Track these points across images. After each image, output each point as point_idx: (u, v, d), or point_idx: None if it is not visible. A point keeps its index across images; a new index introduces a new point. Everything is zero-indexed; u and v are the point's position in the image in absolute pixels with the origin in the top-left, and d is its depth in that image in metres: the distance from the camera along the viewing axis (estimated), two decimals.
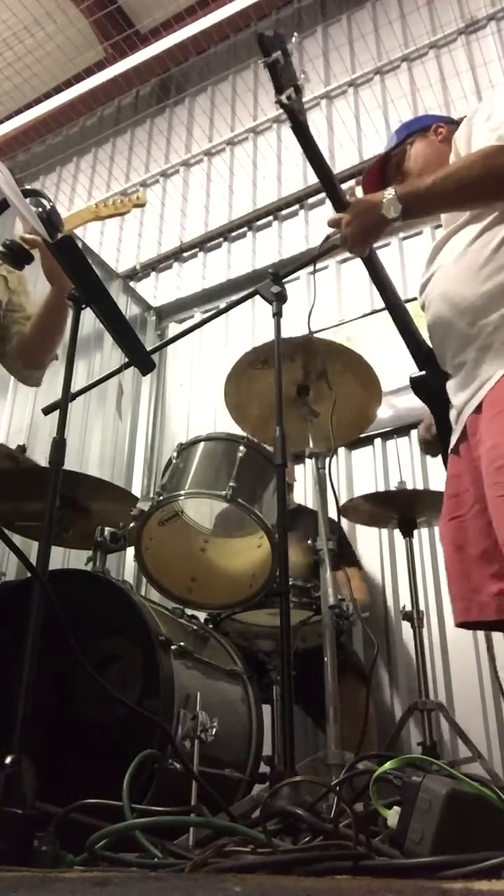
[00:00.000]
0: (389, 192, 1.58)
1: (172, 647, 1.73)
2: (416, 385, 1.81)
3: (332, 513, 2.14)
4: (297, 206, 4.30)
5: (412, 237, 3.72)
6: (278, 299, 1.91)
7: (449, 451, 1.69)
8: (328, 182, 1.73)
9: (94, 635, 1.72)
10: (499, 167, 1.52)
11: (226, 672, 1.95)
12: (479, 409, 1.53)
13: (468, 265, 1.59)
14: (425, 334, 1.80)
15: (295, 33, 1.70)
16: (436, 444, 1.83)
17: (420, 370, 1.81)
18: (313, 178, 4.25)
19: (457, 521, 1.61)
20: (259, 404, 2.25)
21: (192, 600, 2.05)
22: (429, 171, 1.69)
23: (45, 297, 2.13)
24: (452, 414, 1.66)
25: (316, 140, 1.74)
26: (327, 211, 4.12)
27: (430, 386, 1.76)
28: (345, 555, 2.84)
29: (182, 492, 1.93)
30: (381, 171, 1.93)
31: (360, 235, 1.66)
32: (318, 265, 2.49)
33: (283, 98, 1.63)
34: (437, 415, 1.78)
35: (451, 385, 1.68)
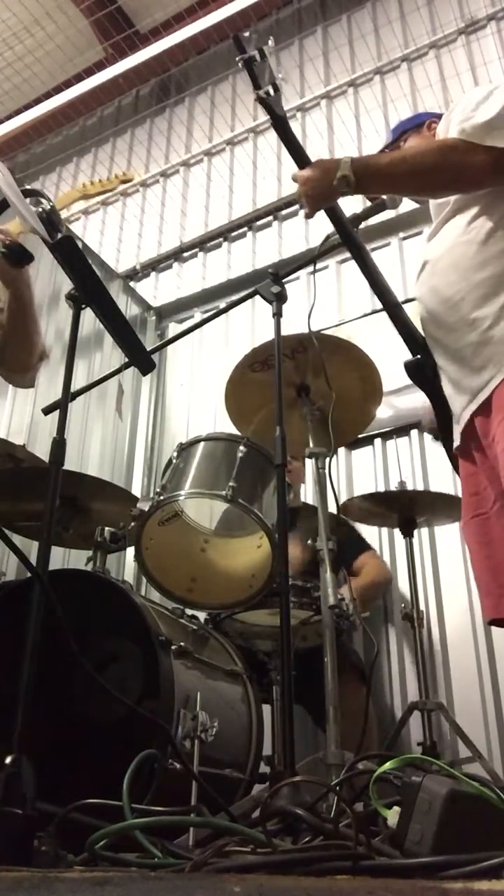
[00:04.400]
0: (346, 161, 1.58)
1: (172, 647, 1.73)
2: (411, 369, 1.79)
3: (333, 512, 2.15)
4: (297, 206, 4.29)
5: (412, 237, 3.72)
6: (278, 299, 1.91)
7: (455, 448, 1.69)
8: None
9: (94, 635, 1.72)
10: (454, 161, 1.52)
11: (226, 672, 1.95)
12: (484, 408, 1.52)
13: (456, 258, 1.58)
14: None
15: (271, 37, 1.75)
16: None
17: (414, 356, 1.81)
18: None
19: (480, 519, 1.60)
20: (259, 408, 2.25)
21: (192, 600, 2.05)
22: None
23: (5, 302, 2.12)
24: (454, 410, 1.66)
25: (295, 133, 1.80)
26: None
27: (425, 370, 1.75)
28: (358, 543, 2.85)
29: (182, 492, 1.93)
30: None
31: (312, 197, 1.67)
32: (318, 265, 2.49)
33: (262, 93, 1.67)
34: (434, 399, 1.77)
35: (445, 378, 1.67)
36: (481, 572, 1.61)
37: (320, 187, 1.63)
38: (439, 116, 1.89)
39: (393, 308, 1.87)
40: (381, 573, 2.87)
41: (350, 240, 1.87)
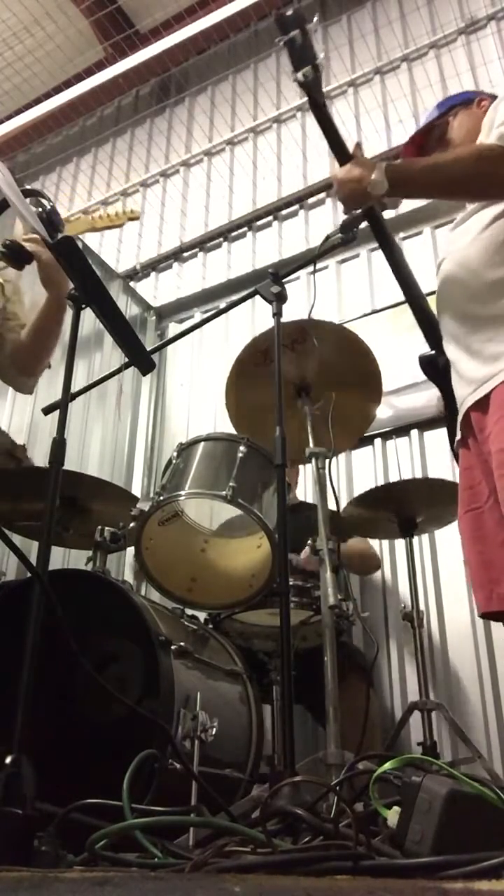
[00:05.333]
0: (380, 168, 1.58)
1: (172, 647, 1.73)
2: (425, 363, 1.80)
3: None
4: (297, 206, 4.30)
5: (412, 237, 3.72)
6: (278, 299, 1.91)
7: (457, 441, 1.69)
8: (342, 157, 1.71)
9: (94, 635, 1.72)
10: (488, 169, 1.51)
11: (226, 672, 1.95)
12: (482, 404, 1.52)
13: (479, 252, 1.59)
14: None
15: (317, 13, 1.69)
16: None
17: (431, 349, 1.80)
18: (313, 178, 4.28)
19: (474, 513, 1.61)
20: (259, 407, 2.25)
21: (192, 600, 2.05)
22: (469, 141, 1.68)
23: (41, 304, 2.13)
24: (458, 398, 1.65)
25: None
26: (327, 211, 4.12)
27: (438, 365, 1.75)
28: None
29: (182, 492, 1.93)
30: (424, 140, 1.92)
31: (347, 199, 1.68)
32: (318, 265, 2.49)
33: (300, 76, 1.62)
34: (445, 394, 1.77)
35: (454, 368, 1.66)
36: (474, 566, 1.61)
37: (356, 191, 1.63)
38: (491, 95, 1.86)
39: (417, 301, 1.85)
40: (367, 548, 2.86)
41: (380, 231, 1.85)
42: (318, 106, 1.68)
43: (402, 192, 1.62)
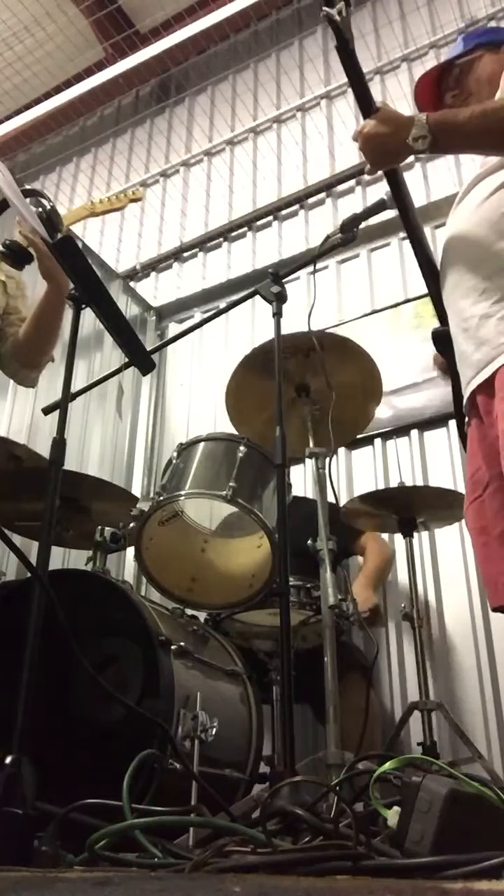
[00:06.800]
0: (421, 118, 1.47)
1: (172, 647, 1.73)
2: (438, 337, 1.72)
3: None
4: (297, 206, 4.29)
5: None
6: (278, 299, 1.91)
7: (465, 424, 1.64)
8: (366, 107, 1.59)
9: (94, 635, 1.72)
10: None
11: (226, 672, 1.95)
12: (487, 386, 1.48)
13: (480, 221, 1.54)
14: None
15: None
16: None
17: (443, 325, 1.73)
18: (313, 178, 4.28)
19: (476, 503, 1.55)
20: (260, 407, 2.25)
21: (192, 600, 2.05)
22: (489, 89, 1.59)
23: (40, 296, 2.13)
24: (462, 381, 1.61)
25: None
26: (327, 211, 4.13)
27: (450, 341, 1.68)
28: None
29: (182, 492, 1.94)
30: (438, 79, 1.83)
31: (379, 156, 1.56)
32: (318, 265, 2.48)
33: (334, 12, 1.49)
34: (453, 370, 1.70)
35: (455, 347, 1.61)
36: (481, 559, 1.56)
37: (391, 145, 1.51)
38: None
39: (425, 253, 1.78)
40: (384, 551, 2.86)
41: (406, 212, 1.77)
42: (348, 48, 1.55)
43: (445, 144, 1.51)
